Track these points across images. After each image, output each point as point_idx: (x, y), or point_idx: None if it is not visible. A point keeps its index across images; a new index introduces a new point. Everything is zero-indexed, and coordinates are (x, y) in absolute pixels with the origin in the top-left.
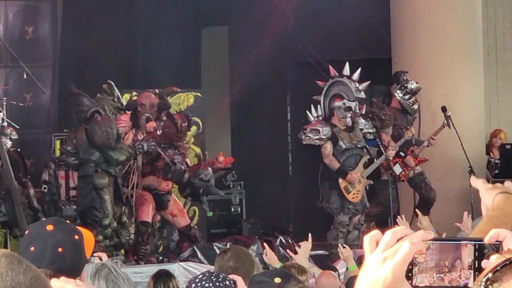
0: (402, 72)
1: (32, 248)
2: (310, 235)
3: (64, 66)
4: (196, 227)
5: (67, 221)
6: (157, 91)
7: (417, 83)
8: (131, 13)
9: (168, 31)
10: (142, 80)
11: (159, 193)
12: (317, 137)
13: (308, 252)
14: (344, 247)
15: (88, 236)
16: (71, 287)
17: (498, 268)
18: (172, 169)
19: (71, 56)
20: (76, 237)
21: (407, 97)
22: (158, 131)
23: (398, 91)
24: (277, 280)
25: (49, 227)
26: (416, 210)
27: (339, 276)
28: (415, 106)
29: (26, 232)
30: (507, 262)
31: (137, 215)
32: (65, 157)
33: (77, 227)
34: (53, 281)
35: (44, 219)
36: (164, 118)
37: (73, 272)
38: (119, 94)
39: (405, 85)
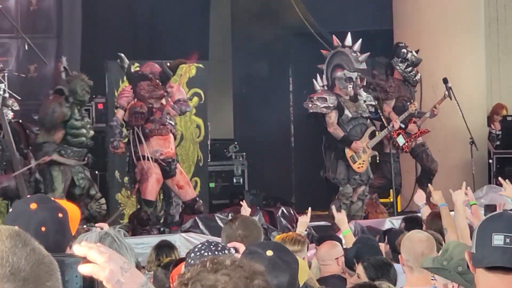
0: (401, 44)
1: (16, 227)
2: (309, 209)
3: (68, 38)
4: (201, 201)
5: (52, 199)
6: (163, 63)
7: (417, 52)
8: None
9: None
10: (147, 51)
11: (165, 161)
12: (324, 105)
13: (305, 227)
14: (338, 211)
15: (73, 211)
16: (94, 253)
17: None
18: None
19: (76, 28)
20: (60, 215)
21: (408, 69)
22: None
23: (400, 64)
24: (269, 253)
25: (33, 206)
26: (429, 186)
27: (342, 245)
28: (417, 77)
29: (10, 210)
30: None
31: (141, 191)
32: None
33: (63, 201)
34: (75, 247)
35: (28, 196)
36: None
37: (57, 251)
38: (129, 64)
39: (406, 57)
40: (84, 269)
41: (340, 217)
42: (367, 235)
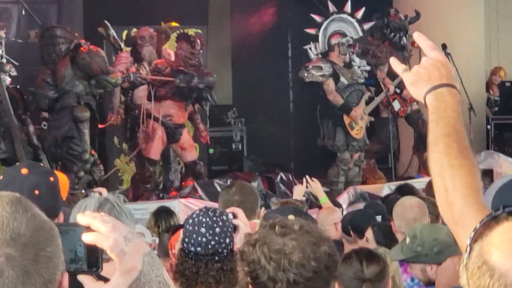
0: (391, 9)
1: None
2: (305, 178)
3: (69, 3)
4: (201, 163)
5: (41, 165)
6: (159, 28)
7: (405, 17)
8: None
9: None
10: (144, 16)
11: (171, 126)
12: (320, 73)
13: (301, 195)
14: (312, 180)
15: (62, 179)
16: (97, 223)
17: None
18: (181, 77)
19: None
20: (52, 179)
21: (392, 35)
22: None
23: (386, 30)
24: (291, 217)
25: (24, 171)
26: (425, 154)
27: (342, 212)
28: (403, 42)
29: (1, 177)
30: (486, 219)
31: (146, 151)
32: (43, 90)
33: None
34: (79, 216)
35: (17, 163)
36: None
37: (51, 213)
38: (114, 34)
39: (390, 23)
40: (87, 238)
41: (315, 186)
42: (364, 200)
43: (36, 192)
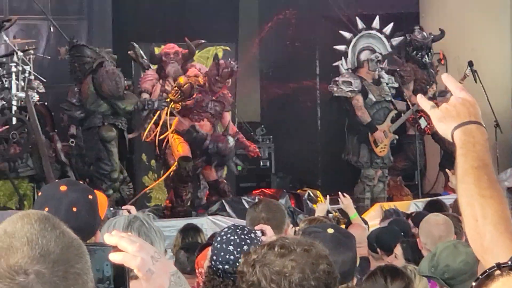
0: (417, 27)
1: (46, 209)
2: (328, 197)
3: (99, 20)
4: (225, 181)
5: (80, 182)
6: (186, 40)
7: (428, 35)
8: None
9: None
10: (174, 33)
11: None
12: (349, 89)
13: (323, 212)
14: (344, 196)
15: (101, 198)
16: (125, 242)
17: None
18: (194, 135)
19: (106, 9)
20: (90, 196)
21: (414, 53)
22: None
23: (407, 48)
24: (330, 230)
25: (63, 188)
26: (447, 170)
27: (368, 228)
28: (425, 60)
29: (40, 193)
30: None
31: (176, 155)
32: (70, 110)
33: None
34: (106, 236)
35: (57, 180)
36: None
37: (88, 231)
38: (143, 54)
39: (413, 41)
40: (115, 258)
41: (347, 202)
42: (398, 216)
43: (74, 209)
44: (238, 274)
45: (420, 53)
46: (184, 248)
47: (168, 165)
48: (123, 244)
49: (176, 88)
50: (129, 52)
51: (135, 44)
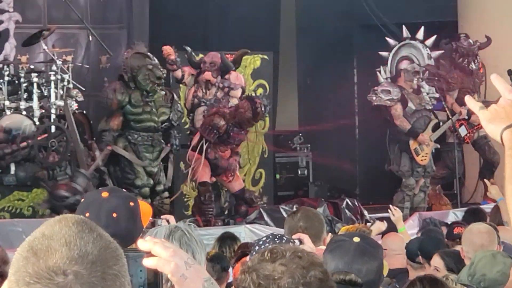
0: (462, 35)
1: (87, 214)
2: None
3: (138, 28)
4: (250, 189)
5: (123, 190)
6: (223, 54)
7: (474, 43)
8: None
9: None
10: (217, 42)
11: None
12: (388, 97)
13: (377, 232)
14: (395, 209)
15: (145, 207)
16: (159, 248)
17: None
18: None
19: (145, 18)
20: (132, 204)
21: (460, 60)
22: (217, 85)
23: (453, 55)
24: (356, 239)
25: (104, 194)
26: (485, 180)
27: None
28: (472, 67)
29: (82, 199)
30: None
31: (197, 178)
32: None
33: (138, 199)
34: (140, 242)
35: (100, 188)
36: (243, 99)
37: (128, 237)
38: (192, 53)
39: (456, 48)
40: (148, 263)
41: (398, 215)
42: (435, 226)
43: (114, 215)
44: (234, 283)
45: (466, 60)
46: (208, 258)
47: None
48: (157, 249)
49: (211, 128)
50: (185, 55)
51: (187, 47)
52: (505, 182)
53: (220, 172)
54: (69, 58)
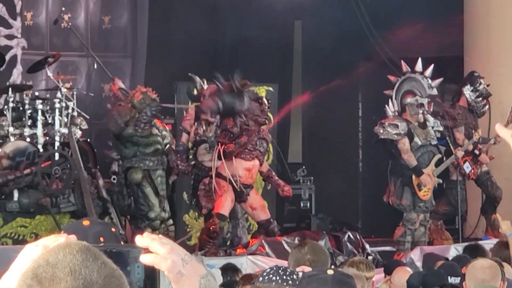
0: (476, 73)
1: None
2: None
3: (145, 57)
4: (275, 222)
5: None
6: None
7: (487, 86)
8: (217, 4)
9: (255, 24)
10: (225, 72)
11: (240, 186)
12: (395, 131)
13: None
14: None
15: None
16: (156, 244)
17: None
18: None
19: (153, 47)
20: (113, 229)
21: (478, 99)
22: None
23: (471, 93)
24: (330, 271)
25: (86, 222)
26: (497, 215)
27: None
28: (485, 109)
29: (61, 232)
30: None
31: (215, 206)
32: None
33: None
34: (137, 238)
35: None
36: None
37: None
38: (201, 84)
39: (478, 87)
40: (146, 259)
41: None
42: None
43: (101, 239)
44: None
45: (481, 102)
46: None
47: (200, 207)
48: (154, 246)
49: (223, 131)
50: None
51: (194, 76)
52: None
53: (245, 199)
54: (70, 85)
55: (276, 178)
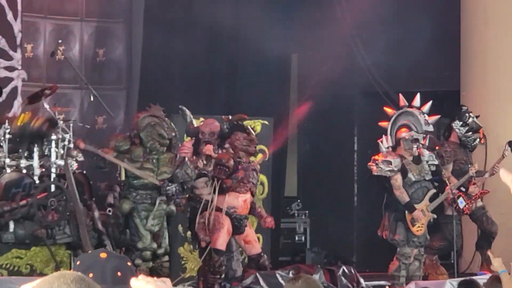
0: (464, 107)
1: (90, 275)
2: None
3: (139, 90)
4: (266, 256)
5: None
6: (222, 119)
7: (477, 117)
8: (212, 37)
9: (251, 57)
10: (214, 106)
11: (237, 218)
12: (388, 168)
13: None
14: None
15: None
16: (151, 287)
17: None
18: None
19: (147, 79)
20: (129, 263)
21: (468, 134)
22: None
23: (460, 128)
24: None
25: (103, 255)
26: (489, 253)
27: None
28: (476, 143)
29: (78, 262)
30: None
31: (212, 241)
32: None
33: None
34: (133, 281)
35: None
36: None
37: None
38: (191, 117)
39: (467, 121)
40: None
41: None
42: None
43: (119, 273)
44: None
45: (472, 136)
46: None
47: (198, 240)
48: None
49: (219, 166)
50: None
51: (184, 108)
52: None
53: (242, 231)
54: (63, 117)
55: (259, 209)
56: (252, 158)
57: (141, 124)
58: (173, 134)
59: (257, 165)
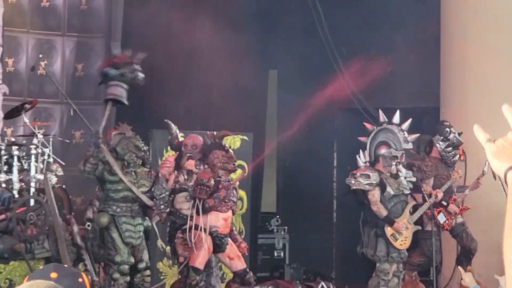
0: (446, 123)
1: None
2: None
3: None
4: (251, 272)
5: (65, 265)
6: (205, 135)
7: (459, 134)
8: (192, 53)
9: (229, 73)
10: (201, 121)
11: (218, 236)
12: (367, 182)
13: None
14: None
15: (86, 280)
16: None
17: None
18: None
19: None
20: (80, 280)
21: (448, 149)
22: (198, 169)
23: (440, 142)
24: None
25: (53, 275)
26: (459, 267)
27: None
28: (456, 158)
29: (26, 281)
30: None
31: (191, 259)
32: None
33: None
34: None
35: (41, 267)
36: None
37: None
38: (177, 132)
39: (448, 137)
40: None
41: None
42: None
43: None
44: None
45: (452, 151)
46: None
47: (177, 255)
48: None
49: (200, 186)
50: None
51: (170, 122)
52: (504, 237)
53: (224, 249)
54: (43, 131)
55: (235, 232)
56: (231, 175)
57: (115, 138)
58: (145, 148)
59: (236, 182)
